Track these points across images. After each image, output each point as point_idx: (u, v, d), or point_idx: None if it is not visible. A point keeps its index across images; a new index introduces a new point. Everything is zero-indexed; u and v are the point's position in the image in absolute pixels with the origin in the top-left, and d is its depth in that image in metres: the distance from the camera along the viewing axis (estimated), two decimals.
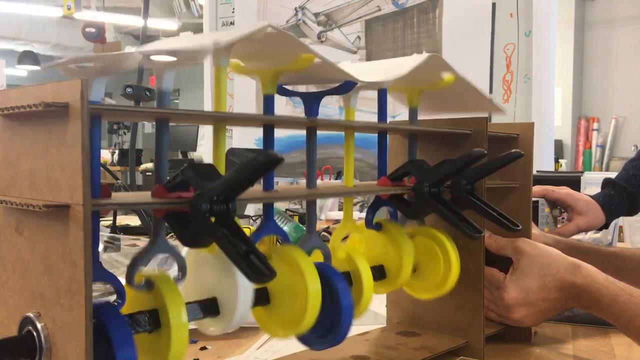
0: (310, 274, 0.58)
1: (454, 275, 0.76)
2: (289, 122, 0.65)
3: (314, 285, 0.58)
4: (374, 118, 0.75)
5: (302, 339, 0.64)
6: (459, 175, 0.72)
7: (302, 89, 0.65)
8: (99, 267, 0.49)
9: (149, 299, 0.52)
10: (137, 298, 0.52)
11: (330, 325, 0.63)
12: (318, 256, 0.66)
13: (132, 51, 0.48)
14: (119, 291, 0.51)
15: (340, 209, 2.08)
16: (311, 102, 0.66)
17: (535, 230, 0.94)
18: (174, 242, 0.55)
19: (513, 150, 0.74)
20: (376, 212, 0.75)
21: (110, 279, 0.50)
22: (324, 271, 0.62)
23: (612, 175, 1.42)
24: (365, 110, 0.79)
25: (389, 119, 0.76)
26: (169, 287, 0.51)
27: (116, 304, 0.50)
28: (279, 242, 0.70)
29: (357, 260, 0.68)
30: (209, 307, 0.57)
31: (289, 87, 0.66)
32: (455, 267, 0.76)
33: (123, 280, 0.51)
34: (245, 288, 0.56)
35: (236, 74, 0.62)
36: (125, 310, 0.51)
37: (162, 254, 0.54)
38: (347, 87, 0.66)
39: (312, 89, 0.65)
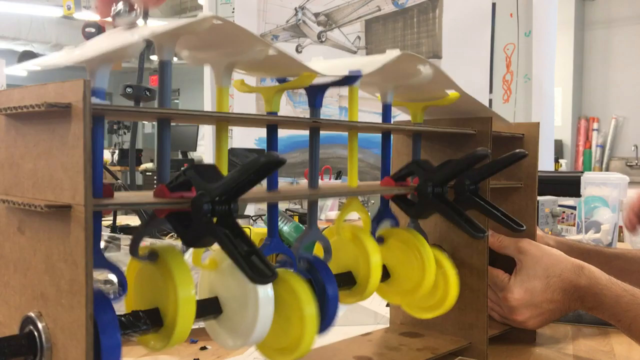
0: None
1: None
2: (292, 123, 0.65)
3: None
4: (375, 118, 0.74)
5: None
6: (462, 175, 0.72)
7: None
8: (101, 257, 0.49)
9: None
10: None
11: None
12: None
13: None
14: (121, 281, 0.52)
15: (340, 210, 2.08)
16: (315, 94, 0.66)
17: (537, 231, 0.93)
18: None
19: (517, 150, 0.73)
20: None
21: (112, 269, 0.50)
22: (312, 262, 0.64)
23: (613, 175, 1.41)
24: (366, 111, 0.79)
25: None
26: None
27: (119, 294, 0.51)
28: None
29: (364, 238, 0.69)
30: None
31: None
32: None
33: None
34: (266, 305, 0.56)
35: (240, 92, 0.63)
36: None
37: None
38: (352, 79, 0.65)
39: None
